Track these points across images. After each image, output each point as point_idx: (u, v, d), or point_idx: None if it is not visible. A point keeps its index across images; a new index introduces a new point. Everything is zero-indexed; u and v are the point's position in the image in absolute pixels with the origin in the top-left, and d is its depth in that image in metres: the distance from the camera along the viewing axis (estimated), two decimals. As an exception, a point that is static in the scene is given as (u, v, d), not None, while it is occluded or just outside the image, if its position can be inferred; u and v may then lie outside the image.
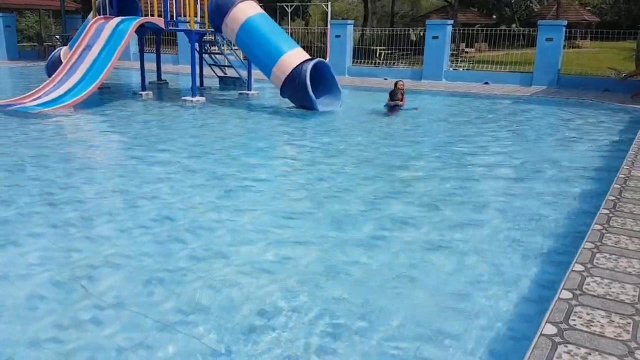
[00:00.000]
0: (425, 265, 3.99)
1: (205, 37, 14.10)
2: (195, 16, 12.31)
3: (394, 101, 10.96)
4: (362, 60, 19.13)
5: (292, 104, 11.43)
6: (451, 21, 16.58)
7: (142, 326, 3.06)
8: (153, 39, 16.75)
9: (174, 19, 12.48)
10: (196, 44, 13.41)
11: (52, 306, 3.26)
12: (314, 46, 20.84)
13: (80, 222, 4.65)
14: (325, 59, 17.00)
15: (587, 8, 42.56)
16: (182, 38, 19.44)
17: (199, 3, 12.53)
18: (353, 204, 5.34)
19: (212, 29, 12.52)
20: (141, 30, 12.99)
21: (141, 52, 13.75)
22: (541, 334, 2.64)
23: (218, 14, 11.63)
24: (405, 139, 8.65)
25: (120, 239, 4.32)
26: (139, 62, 13.67)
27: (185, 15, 12.56)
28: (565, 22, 14.56)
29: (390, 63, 19.32)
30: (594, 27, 36.07)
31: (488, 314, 3.30)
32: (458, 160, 7.10)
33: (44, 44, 23.07)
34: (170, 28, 12.71)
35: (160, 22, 12.64)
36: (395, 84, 11.29)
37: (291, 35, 21.59)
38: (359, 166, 6.79)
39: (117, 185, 5.80)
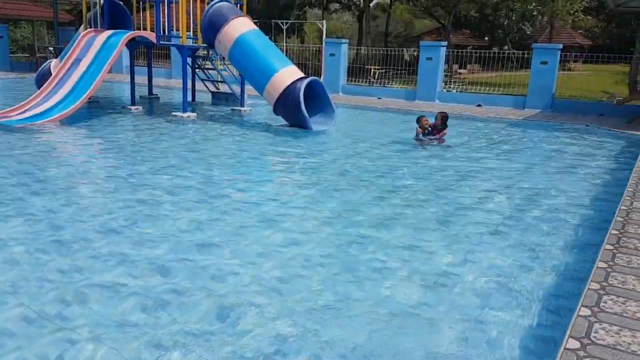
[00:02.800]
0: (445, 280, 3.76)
1: (198, 52, 13.91)
2: (188, 31, 12.13)
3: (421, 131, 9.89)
4: (357, 79, 19.02)
5: (285, 122, 11.23)
6: (445, 43, 16.51)
7: None
8: (146, 52, 16.56)
9: (166, 33, 12.30)
10: (189, 59, 13.23)
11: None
12: (310, 64, 20.73)
13: (53, 247, 4.38)
14: (320, 77, 16.87)
15: (580, 31, 43.05)
16: (175, 52, 19.27)
17: (192, 17, 12.35)
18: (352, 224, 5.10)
19: (205, 44, 12.35)
20: (132, 43, 12.77)
21: (131, 65, 13.54)
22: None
23: (211, 29, 11.47)
24: (397, 161, 8.44)
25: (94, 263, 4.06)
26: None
27: (178, 30, 12.38)
28: (561, 46, 14.52)
29: (384, 82, 19.23)
30: (586, 51, 36.40)
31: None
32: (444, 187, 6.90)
33: (37, 55, 22.79)
34: (162, 42, 12.51)
35: (151, 36, 12.44)
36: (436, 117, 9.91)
37: (287, 53, 21.55)
38: (348, 188, 6.57)
39: (99, 204, 5.53)
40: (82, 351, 2.98)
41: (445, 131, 9.84)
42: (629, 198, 5.83)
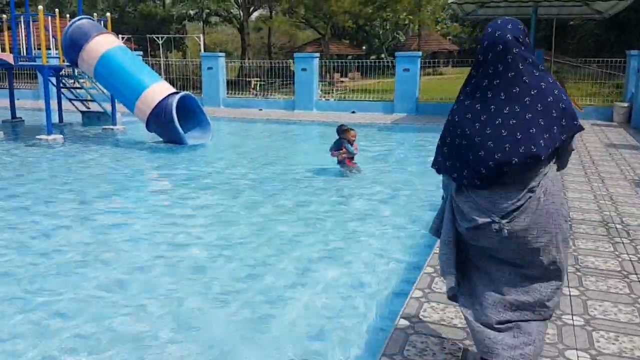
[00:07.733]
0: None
1: (63, 71, 13.31)
2: (50, 49, 11.60)
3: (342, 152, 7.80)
4: (240, 92, 19.17)
5: (160, 139, 11.10)
6: (317, 54, 17.15)
7: None
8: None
9: (26, 53, 11.66)
10: (53, 78, 12.63)
11: None
12: (192, 78, 20.48)
13: None
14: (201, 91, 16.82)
15: (448, 38, 46.34)
16: (42, 72, 18.22)
17: (51, 36, 11.80)
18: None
19: (69, 64, 11.87)
20: (-10, 66, 12.01)
21: (-10, 88, 12.69)
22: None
23: (73, 48, 11.06)
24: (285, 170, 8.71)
25: None
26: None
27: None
28: (420, 54, 15.59)
29: (266, 94, 19.53)
30: (455, 55, 39.28)
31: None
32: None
33: None
34: (20, 63, 11.85)
35: (9, 57, 11.73)
36: (346, 131, 7.75)
37: (167, 68, 21.14)
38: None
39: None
40: None
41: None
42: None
